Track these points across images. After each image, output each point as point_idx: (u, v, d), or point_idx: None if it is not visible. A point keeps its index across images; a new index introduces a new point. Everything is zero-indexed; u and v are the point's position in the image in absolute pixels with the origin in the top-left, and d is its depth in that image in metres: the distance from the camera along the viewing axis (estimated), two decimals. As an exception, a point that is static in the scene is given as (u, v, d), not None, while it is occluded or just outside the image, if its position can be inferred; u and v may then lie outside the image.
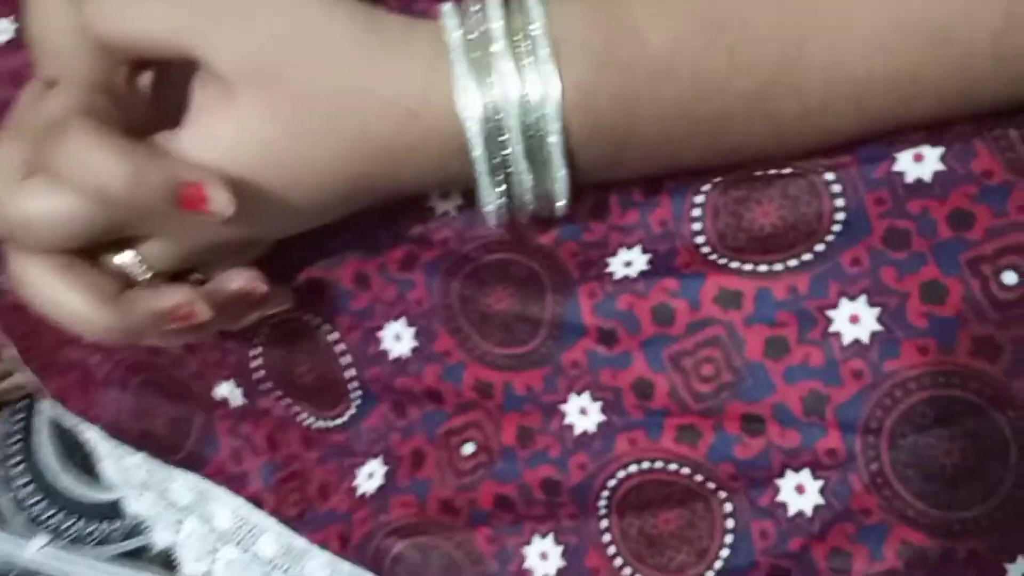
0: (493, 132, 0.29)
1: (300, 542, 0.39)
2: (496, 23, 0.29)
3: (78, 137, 0.28)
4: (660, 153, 0.31)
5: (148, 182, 0.27)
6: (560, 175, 0.30)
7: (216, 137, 0.29)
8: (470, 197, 0.34)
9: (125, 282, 0.31)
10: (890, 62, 0.28)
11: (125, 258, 0.31)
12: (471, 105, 0.28)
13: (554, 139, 0.29)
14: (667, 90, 0.29)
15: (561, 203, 0.31)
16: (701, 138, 0.30)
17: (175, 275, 0.32)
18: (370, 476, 0.37)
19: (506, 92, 0.28)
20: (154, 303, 0.30)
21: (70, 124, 0.28)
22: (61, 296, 0.29)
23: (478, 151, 0.29)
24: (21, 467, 0.62)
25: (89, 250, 0.30)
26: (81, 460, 0.61)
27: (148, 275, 0.31)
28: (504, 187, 0.30)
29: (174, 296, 0.30)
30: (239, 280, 0.32)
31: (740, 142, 0.30)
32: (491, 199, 0.31)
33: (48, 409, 0.62)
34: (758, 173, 0.31)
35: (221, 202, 0.28)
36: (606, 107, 0.29)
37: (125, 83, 0.31)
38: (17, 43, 0.41)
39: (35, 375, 0.46)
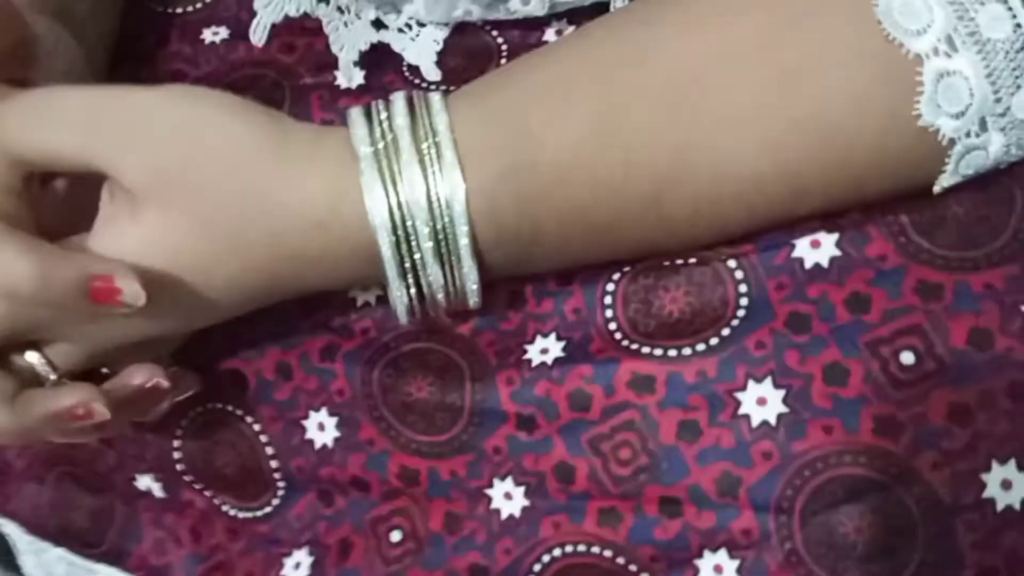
0: (402, 236, 0.29)
1: (226, 638, 0.39)
2: (403, 130, 0.30)
3: None
4: (564, 252, 0.32)
5: (58, 278, 0.28)
6: (471, 275, 0.31)
7: (124, 245, 0.29)
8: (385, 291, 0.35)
9: (31, 380, 0.30)
10: (778, 160, 0.30)
11: (31, 358, 0.30)
12: (380, 211, 0.29)
13: (463, 241, 0.30)
14: (566, 195, 0.30)
15: (473, 300, 0.32)
16: (601, 239, 0.31)
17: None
18: (297, 566, 0.37)
19: (414, 197, 0.29)
20: (51, 404, 0.29)
21: None
22: None
23: (388, 255, 0.30)
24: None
25: None
26: (3, 555, 0.59)
27: (53, 375, 0.31)
28: (415, 287, 0.31)
29: (72, 396, 0.29)
30: (140, 376, 0.32)
31: (637, 241, 0.32)
32: (402, 300, 0.31)
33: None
34: (666, 263, 0.32)
35: (131, 293, 0.28)
36: (510, 211, 0.30)
37: (38, 186, 0.31)
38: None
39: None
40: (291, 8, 0.37)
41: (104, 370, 0.33)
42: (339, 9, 0.38)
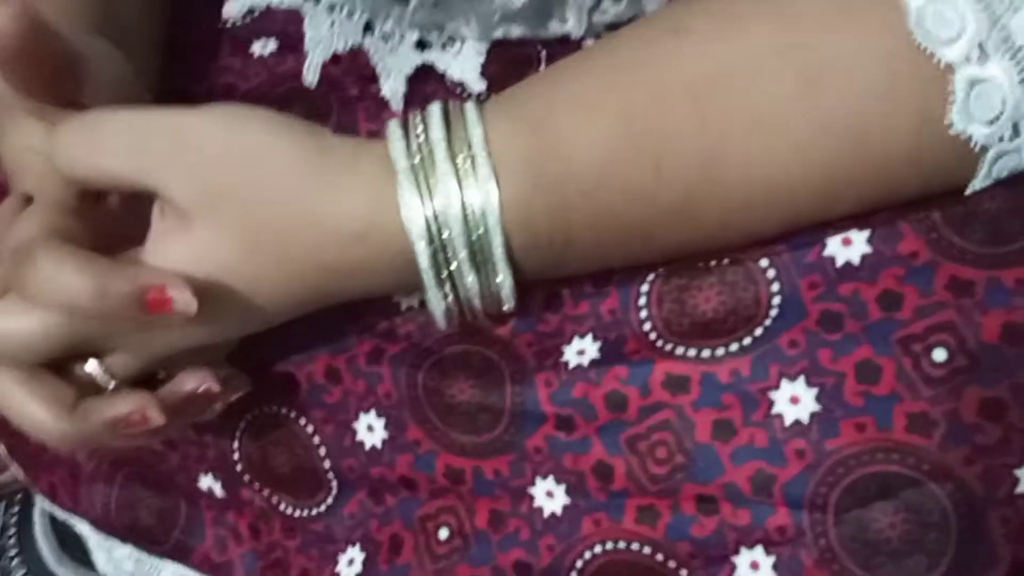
0: (438, 246, 0.31)
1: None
2: (438, 143, 0.31)
3: (45, 257, 0.29)
4: (597, 257, 0.33)
5: (114, 291, 0.29)
6: (506, 282, 0.32)
7: (175, 258, 0.30)
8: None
9: (91, 388, 0.32)
10: (808, 165, 0.30)
11: (90, 368, 0.32)
12: (416, 223, 0.30)
13: (498, 250, 0.31)
14: (598, 203, 0.31)
15: (508, 305, 0.33)
16: (633, 243, 0.32)
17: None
18: (350, 563, 0.38)
19: (449, 208, 0.30)
20: (109, 412, 0.31)
21: (38, 245, 0.30)
22: (23, 406, 0.31)
23: (424, 265, 0.31)
24: (17, 560, 0.62)
25: (56, 361, 0.32)
26: (77, 552, 0.62)
27: (112, 384, 0.32)
28: (452, 294, 0.32)
29: (128, 404, 0.31)
30: (193, 381, 0.34)
31: (669, 245, 0.32)
32: (440, 307, 0.32)
33: (40, 502, 0.63)
34: (699, 263, 0.33)
35: (183, 303, 0.29)
36: (542, 219, 0.31)
37: (92, 202, 0.33)
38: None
39: (23, 471, 0.47)
40: (339, 45, 0.39)
41: (161, 374, 0.35)
42: (383, 38, 0.39)
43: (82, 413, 0.31)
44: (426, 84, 0.40)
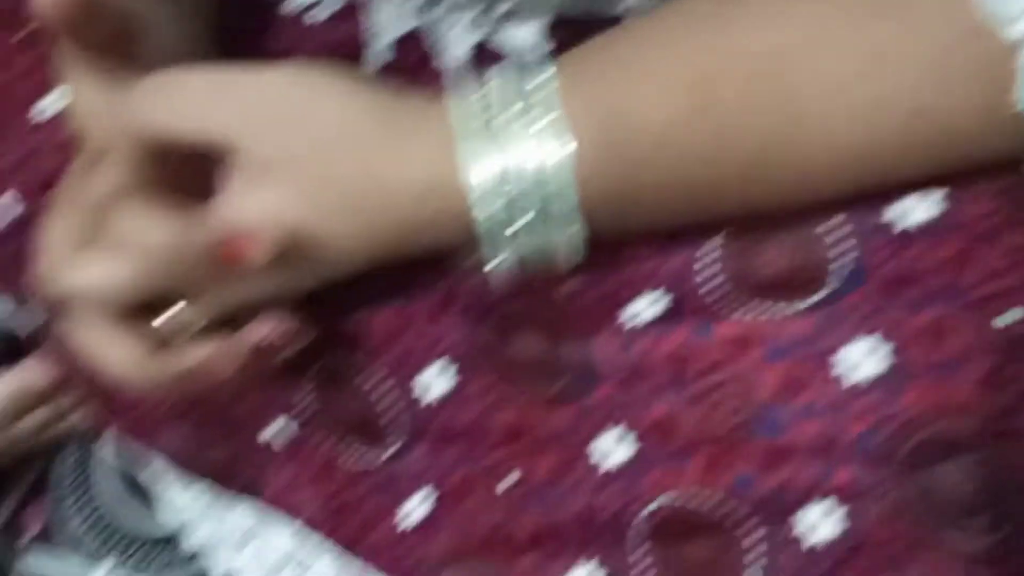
0: (504, 204, 0.31)
1: (356, 565, 0.42)
2: (508, 102, 0.31)
3: (128, 207, 0.30)
4: (662, 217, 0.33)
5: (192, 242, 0.30)
6: (571, 241, 0.32)
7: (247, 213, 0.31)
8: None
9: (167, 338, 0.33)
10: (873, 136, 0.30)
11: (167, 316, 0.33)
12: (484, 180, 0.31)
13: (565, 209, 0.31)
14: (665, 164, 0.31)
15: (573, 263, 0.33)
16: (697, 205, 0.32)
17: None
18: (415, 508, 0.40)
19: (519, 165, 0.31)
20: (187, 359, 0.33)
21: (118, 197, 0.31)
22: (106, 352, 0.32)
23: (489, 224, 0.31)
24: (84, 498, 0.65)
25: (134, 311, 0.33)
26: (141, 494, 0.64)
27: (187, 332, 0.33)
28: (518, 251, 0.32)
29: (205, 352, 0.33)
30: (263, 329, 0.35)
31: (734, 207, 0.32)
32: (504, 264, 0.33)
33: (106, 445, 0.65)
34: (765, 225, 0.33)
35: (256, 254, 0.30)
36: (610, 178, 0.31)
37: (162, 160, 0.34)
38: (64, 116, 0.44)
39: (99, 411, 0.49)
40: (401, 29, 0.39)
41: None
42: (442, 17, 0.39)
43: (162, 360, 0.32)
44: (484, 62, 0.40)
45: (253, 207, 0.31)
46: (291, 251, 0.32)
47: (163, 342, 0.33)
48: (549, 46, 0.39)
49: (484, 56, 0.40)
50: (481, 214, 0.31)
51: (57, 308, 0.33)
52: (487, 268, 0.33)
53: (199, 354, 0.33)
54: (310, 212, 0.31)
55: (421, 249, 0.34)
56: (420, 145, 0.31)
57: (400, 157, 0.31)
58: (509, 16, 0.39)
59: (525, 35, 0.39)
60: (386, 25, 0.40)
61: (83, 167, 0.34)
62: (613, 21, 0.38)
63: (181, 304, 0.33)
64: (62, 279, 0.32)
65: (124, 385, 0.33)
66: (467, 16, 0.40)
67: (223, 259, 0.30)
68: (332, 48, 0.42)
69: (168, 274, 0.32)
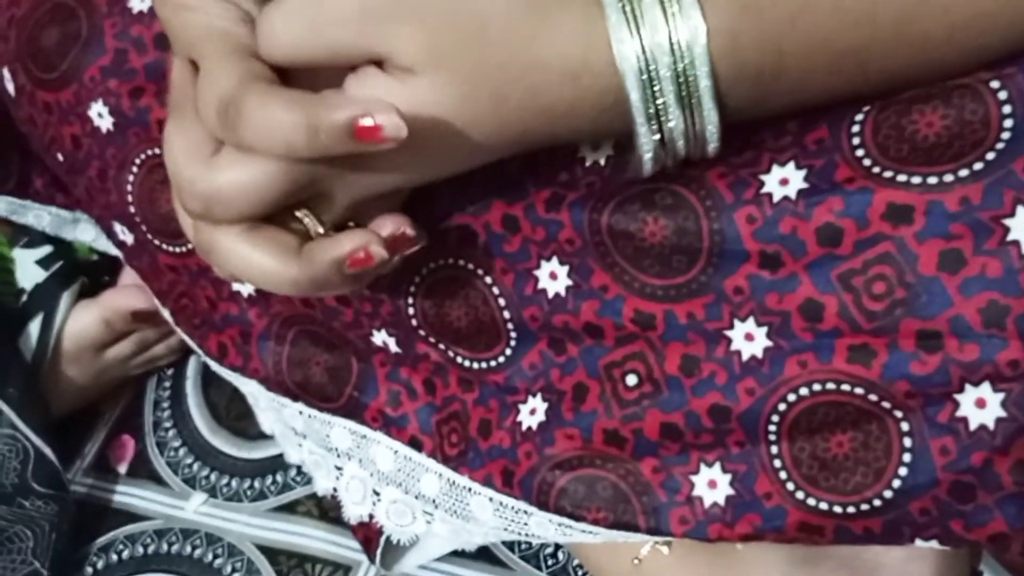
0: (647, 80, 0.29)
1: (462, 480, 0.40)
2: None
3: (255, 102, 0.29)
4: (807, 88, 0.30)
5: (325, 123, 0.28)
6: (711, 118, 0.30)
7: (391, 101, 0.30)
8: (619, 148, 0.35)
9: (304, 238, 0.32)
10: None
11: (302, 214, 0.32)
12: (627, 57, 0.29)
13: (704, 83, 0.29)
14: (808, 25, 0.29)
15: (713, 145, 0.31)
16: (847, 69, 0.30)
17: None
18: (532, 412, 0.38)
19: (657, 41, 0.29)
20: (334, 251, 0.31)
21: (244, 92, 0.29)
22: (250, 258, 0.31)
23: (636, 101, 0.29)
24: (172, 432, 0.65)
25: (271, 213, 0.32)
26: (231, 421, 0.64)
27: (322, 228, 0.32)
28: (659, 134, 0.30)
29: (351, 241, 0.31)
30: (391, 224, 0.33)
31: (885, 72, 0.30)
32: (648, 146, 0.31)
33: (194, 376, 0.65)
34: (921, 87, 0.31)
35: (392, 127, 0.28)
36: (750, 49, 0.29)
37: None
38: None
39: (189, 335, 0.48)
40: None
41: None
42: None
43: (307, 256, 0.31)
44: None
45: (397, 99, 0.30)
46: (435, 139, 0.30)
47: (299, 241, 0.32)
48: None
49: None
50: (632, 90, 0.29)
51: (196, 219, 0.32)
52: (639, 149, 0.31)
53: (351, 242, 0.31)
54: (460, 102, 0.30)
55: (562, 134, 0.32)
56: (567, 25, 0.29)
57: (549, 39, 0.29)
58: None
59: None
60: None
61: (185, 71, 0.33)
62: None
63: (317, 204, 0.32)
64: (203, 186, 0.30)
65: (273, 288, 0.32)
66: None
67: (357, 136, 0.29)
68: None
69: (302, 170, 0.30)
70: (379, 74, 0.30)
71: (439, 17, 0.29)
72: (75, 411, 0.65)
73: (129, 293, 0.60)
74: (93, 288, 0.63)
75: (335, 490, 0.46)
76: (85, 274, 0.63)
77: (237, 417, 0.64)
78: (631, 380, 0.35)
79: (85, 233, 0.57)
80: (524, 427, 0.38)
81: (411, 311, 0.40)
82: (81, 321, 0.61)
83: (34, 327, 0.60)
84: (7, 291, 0.60)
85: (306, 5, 0.30)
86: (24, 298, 0.60)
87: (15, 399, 0.55)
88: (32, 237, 0.60)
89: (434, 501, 0.42)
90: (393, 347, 0.41)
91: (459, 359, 0.40)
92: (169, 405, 0.66)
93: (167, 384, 0.66)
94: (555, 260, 0.36)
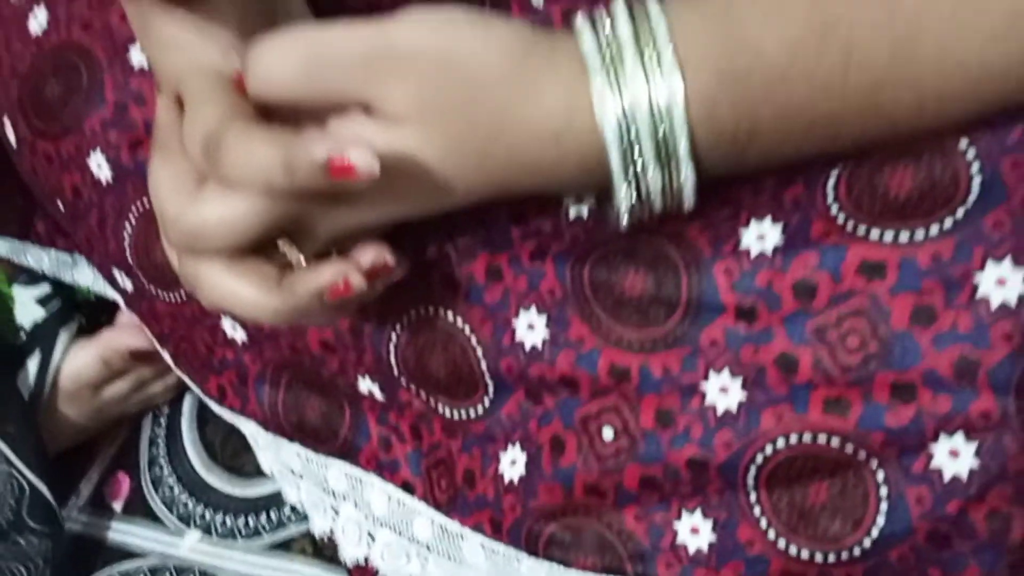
0: (628, 142, 0.30)
1: (454, 526, 0.41)
2: (626, 39, 0.30)
3: (236, 139, 0.30)
4: (782, 150, 0.31)
5: (301, 160, 0.29)
6: (689, 179, 0.31)
7: (371, 143, 0.30)
8: (601, 200, 0.35)
9: (285, 267, 0.33)
10: (1005, 50, 0.28)
11: (284, 246, 0.33)
12: (609, 119, 0.30)
13: (682, 145, 0.30)
14: (783, 95, 0.29)
15: (690, 202, 0.32)
16: (819, 136, 0.30)
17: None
18: (513, 463, 0.39)
19: (637, 103, 0.29)
20: (314, 281, 0.32)
21: (226, 129, 0.30)
22: (234, 289, 0.32)
23: (616, 160, 0.30)
24: (168, 469, 0.65)
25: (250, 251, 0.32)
26: (226, 459, 0.64)
27: (303, 259, 0.33)
28: (637, 191, 0.31)
29: (331, 272, 0.32)
30: (371, 254, 0.34)
31: (857, 137, 0.31)
32: (627, 202, 0.32)
33: (190, 414, 0.66)
34: (892, 146, 0.31)
35: (365, 164, 0.29)
36: (727, 113, 0.30)
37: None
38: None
39: (189, 377, 0.49)
40: None
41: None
42: None
43: (288, 287, 0.32)
44: None
45: (377, 142, 0.31)
46: (414, 184, 0.31)
47: (281, 272, 0.33)
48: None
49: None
50: (613, 151, 0.30)
51: (182, 252, 0.33)
52: (617, 205, 0.32)
53: (330, 273, 0.32)
54: (443, 155, 0.31)
55: (542, 189, 0.33)
56: (553, 86, 0.30)
57: (536, 99, 0.30)
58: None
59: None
60: None
61: (169, 110, 0.34)
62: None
63: (299, 236, 0.33)
64: (188, 220, 0.31)
65: (255, 319, 0.33)
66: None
67: (331, 174, 0.29)
68: None
69: (282, 205, 0.31)
70: (366, 119, 0.31)
71: (435, 77, 0.30)
72: (71, 448, 0.65)
73: (127, 332, 0.61)
74: (91, 327, 0.63)
75: (332, 531, 0.46)
76: (82, 313, 0.63)
77: (232, 454, 0.64)
78: (607, 434, 0.36)
79: (83, 276, 0.57)
80: (506, 479, 0.38)
81: (392, 360, 0.40)
82: (79, 360, 0.61)
83: (32, 364, 0.60)
84: (7, 328, 0.61)
85: (303, 44, 0.31)
86: (23, 336, 0.61)
87: (12, 436, 0.56)
88: (31, 274, 0.61)
89: (427, 545, 0.42)
90: (378, 394, 0.42)
91: (440, 407, 0.40)
92: (165, 442, 0.66)
93: (163, 421, 0.67)
94: (533, 310, 0.37)
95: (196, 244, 0.31)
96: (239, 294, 0.32)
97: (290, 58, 0.30)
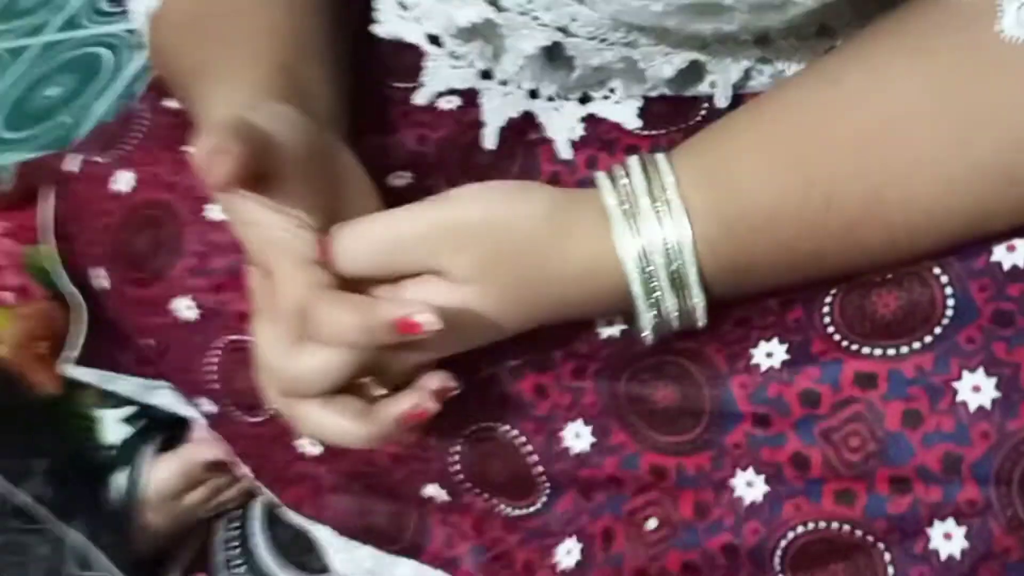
0: (647, 275, 0.36)
1: (514, 617, 0.46)
2: (641, 190, 0.36)
3: (323, 309, 0.36)
4: (777, 278, 0.38)
5: (377, 322, 0.35)
6: (700, 304, 0.37)
7: (439, 301, 0.37)
8: (628, 320, 0.41)
9: (368, 399, 0.39)
10: (963, 200, 0.34)
11: (366, 381, 0.39)
12: (630, 258, 0.36)
13: (692, 276, 0.36)
14: (774, 235, 0.36)
15: (702, 321, 0.38)
16: (806, 266, 0.37)
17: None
18: (568, 552, 0.44)
19: (653, 244, 0.36)
20: (396, 409, 0.38)
21: (315, 300, 0.36)
22: (330, 423, 0.38)
23: (638, 293, 0.37)
24: (243, 568, 0.70)
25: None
26: (296, 556, 0.69)
27: (384, 392, 0.39)
28: (658, 315, 0.37)
29: (409, 400, 0.38)
30: (436, 381, 0.39)
31: (839, 267, 0.37)
32: (648, 324, 0.38)
33: (263, 518, 0.71)
34: (876, 277, 0.37)
35: (428, 323, 0.35)
36: (727, 251, 0.36)
37: None
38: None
39: (269, 488, 0.54)
40: (512, 112, 0.46)
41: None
42: (549, 99, 0.45)
43: (374, 416, 0.38)
44: (588, 124, 0.46)
45: (444, 299, 0.37)
46: (469, 329, 0.38)
47: (365, 410, 0.39)
48: (645, 114, 0.45)
49: (587, 131, 0.46)
50: (633, 287, 0.37)
51: (281, 395, 0.39)
52: (642, 326, 0.38)
53: (409, 401, 0.38)
54: (497, 304, 0.38)
55: (575, 317, 0.40)
56: (582, 234, 0.37)
57: (571, 247, 0.37)
58: (609, 91, 0.45)
59: (624, 108, 0.46)
60: (498, 110, 0.46)
61: (261, 279, 0.40)
62: (695, 99, 0.44)
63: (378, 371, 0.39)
64: (289, 371, 0.37)
65: (347, 443, 0.38)
66: (568, 104, 0.46)
67: (399, 330, 0.35)
68: (460, 128, 0.47)
69: (364, 353, 0.37)
70: (439, 281, 0.38)
71: (490, 243, 0.37)
72: (153, 553, 0.70)
73: (205, 446, 0.66)
74: (170, 441, 0.69)
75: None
76: (162, 429, 0.69)
77: (301, 552, 0.69)
78: (651, 524, 0.41)
79: (163, 398, 0.63)
80: (562, 568, 0.43)
81: (456, 467, 0.46)
82: (162, 473, 0.67)
83: (122, 479, 0.66)
84: (94, 448, 0.67)
85: (379, 231, 0.37)
86: (112, 452, 0.67)
87: (110, 547, 0.61)
88: (117, 398, 0.67)
89: (490, 631, 0.47)
90: (443, 497, 0.47)
91: (500, 507, 0.46)
92: (239, 544, 0.71)
93: (236, 524, 0.72)
94: (579, 421, 0.42)
95: (295, 390, 0.37)
96: (335, 427, 0.38)
97: (370, 244, 0.37)
